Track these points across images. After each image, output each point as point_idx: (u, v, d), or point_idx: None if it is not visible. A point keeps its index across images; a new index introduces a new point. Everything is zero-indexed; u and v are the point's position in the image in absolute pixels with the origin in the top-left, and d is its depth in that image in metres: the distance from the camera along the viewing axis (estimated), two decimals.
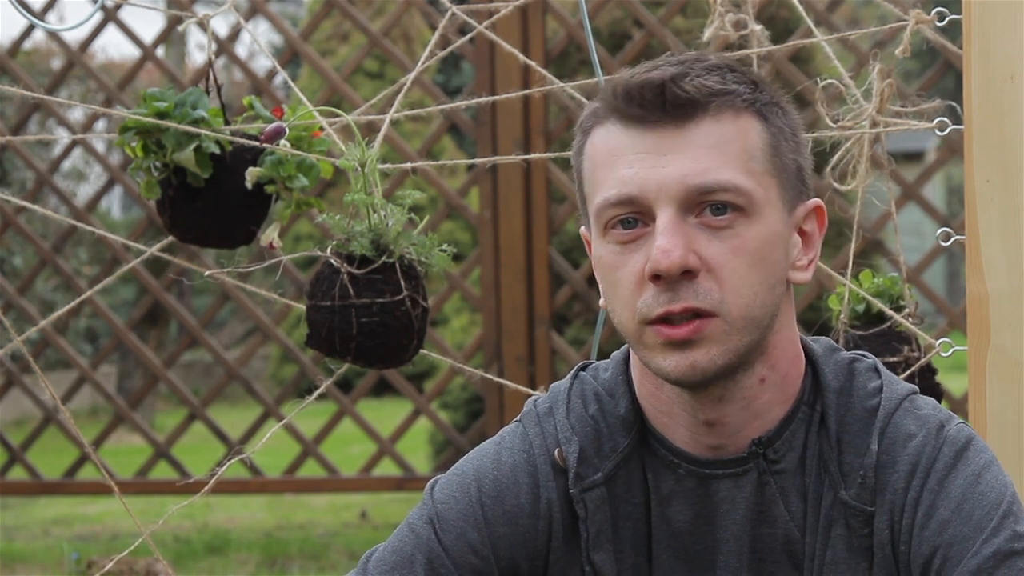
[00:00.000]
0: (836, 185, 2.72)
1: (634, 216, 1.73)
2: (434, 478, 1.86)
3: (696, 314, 1.70)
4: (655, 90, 1.72)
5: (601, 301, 1.81)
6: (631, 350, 1.81)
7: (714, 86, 1.73)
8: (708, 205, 1.71)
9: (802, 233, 1.80)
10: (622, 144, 1.74)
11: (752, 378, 1.76)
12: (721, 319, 1.71)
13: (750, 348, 1.74)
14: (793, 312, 1.80)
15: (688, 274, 1.70)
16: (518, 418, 1.87)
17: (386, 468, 6.69)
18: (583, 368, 1.88)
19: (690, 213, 1.71)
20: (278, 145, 2.73)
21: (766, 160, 1.75)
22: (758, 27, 2.95)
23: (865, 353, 1.85)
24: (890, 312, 2.75)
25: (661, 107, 1.72)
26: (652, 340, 1.72)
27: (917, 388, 1.83)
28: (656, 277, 1.70)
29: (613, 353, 1.87)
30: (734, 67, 1.77)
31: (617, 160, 1.74)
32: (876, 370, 1.82)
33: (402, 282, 2.57)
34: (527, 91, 3.73)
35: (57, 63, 11.41)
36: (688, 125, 1.72)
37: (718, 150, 1.72)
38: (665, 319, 1.71)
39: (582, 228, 1.84)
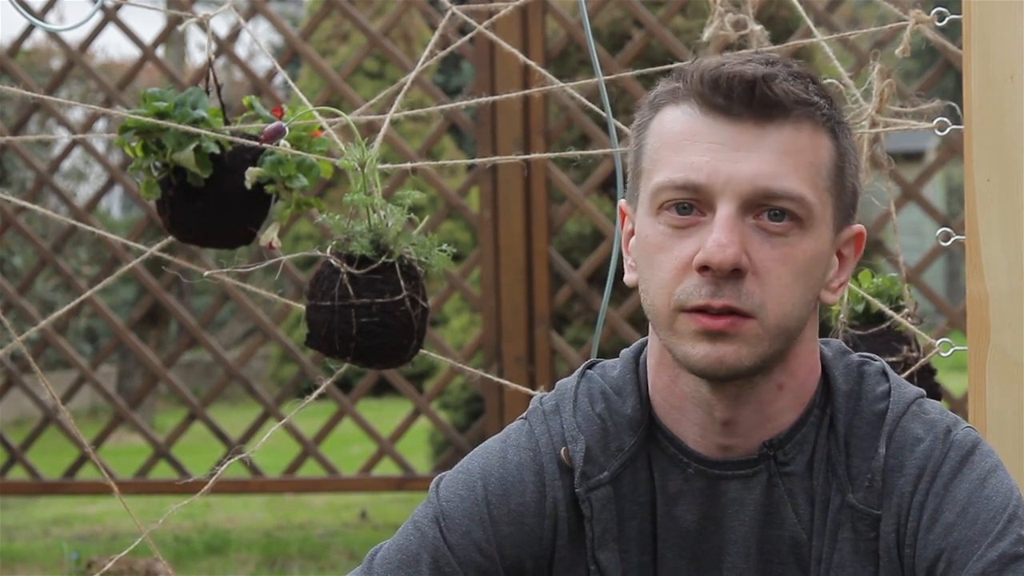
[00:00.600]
0: None
1: (692, 202, 1.72)
2: (439, 475, 1.85)
3: (733, 312, 1.70)
4: (746, 85, 1.72)
5: (628, 277, 1.80)
6: (656, 335, 1.79)
7: (800, 94, 1.73)
8: (768, 210, 1.71)
9: (840, 256, 1.80)
10: (698, 130, 1.73)
11: (770, 383, 1.77)
12: (758, 323, 1.71)
13: (776, 355, 1.74)
14: (817, 325, 1.81)
15: (736, 272, 1.70)
16: (524, 415, 1.86)
17: (386, 468, 6.69)
18: (591, 366, 1.88)
19: (749, 213, 1.71)
20: (278, 145, 2.73)
21: (830, 178, 1.75)
22: (758, 27, 2.95)
23: (874, 356, 1.86)
24: (889, 312, 2.75)
25: (748, 103, 1.72)
26: (685, 327, 1.72)
27: (925, 392, 1.83)
28: (705, 268, 1.70)
29: (623, 351, 1.87)
30: (815, 78, 1.77)
31: (689, 144, 1.73)
32: (884, 374, 1.82)
33: (402, 282, 2.57)
34: (527, 91, 3.74)
35: (57, 63, 11.41)
36: (768, 127, 1.72)
37: (791, 158, 1.72)
38: (702, 310, 1.71)
39: (622, 201, 1.83)
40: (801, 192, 1.72)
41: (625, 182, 1.85)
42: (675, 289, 1.72)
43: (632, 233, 1.80)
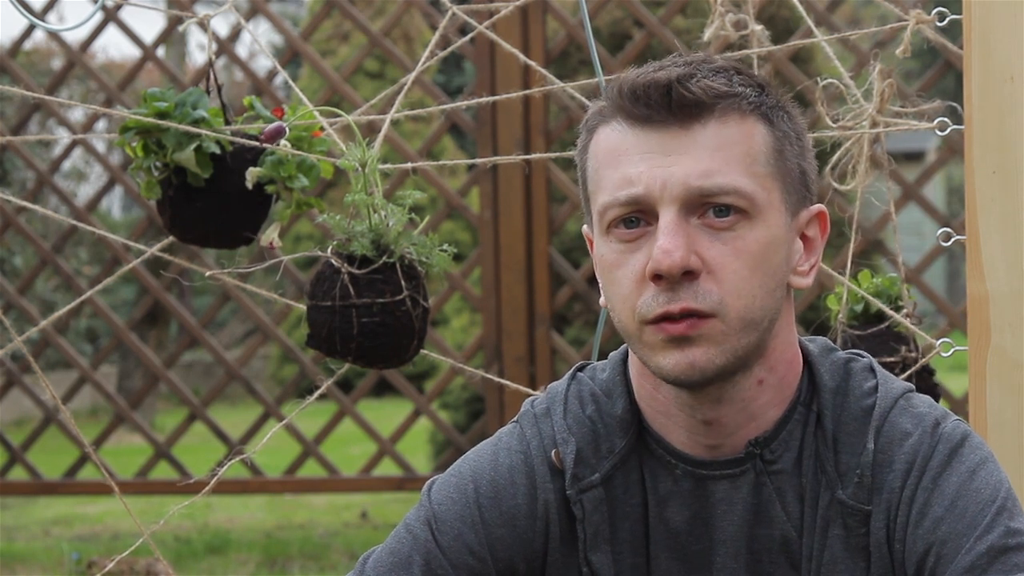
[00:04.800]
0: (836, 185, 2.72)
1: (637, 215, 1.73)
2: (431, 479, 1.86)
3: (693, 314, 1.71)
4: (661, 90, 1.72)
5: (602, 300, 1.81)
6: (630, 349, 1.81)
7: (720, 88, 1.73)
8: (711, 207, 1.72)
9: (804, 238, 1.80)
10: (627, 143, 1.74)
11: (750, 379, 1.77)
12: (719, 320, 1.71)
13: (749, 350, 1.74)
14: (792, 316, 1.81)
15: (689, 275, 1.70)
16: (515, 419, 1.87)
17: (386, 468, 6.69)
18: (580, 369, 1.88)
19: (692, 214, 1.72)
20: (278, 145, 2.73)
21: (770, 164, 1.75)
22: (758, 27, 2.94)
23: (861, 352, 1.86)
24: (889, 312, 2.75)
25: (667, 107, 1.72)
26: (652, 338, 1.72)
27: (913, 386, 1.84)
28: (657, 277, 1.70)
29: (611, 353, 1.88)
30: (741, 70, 1.78)
31: (622, 159, 1.74)
32: (871, 369, 1.83)
33: (403, 282, 2.57)
34: (527, 91, 3.72)
35: (57, 63, 11.42)
36: (694, 126, 1.73)
37: (722, 152, 1.72)
38: (664, 318, 1.71)
39: (584, 227, 1.84)
40: (737, 184, 1.72)
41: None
42: (636, 302, 1.73)
43: None
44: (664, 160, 1.72)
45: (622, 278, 1.74)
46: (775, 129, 1.76)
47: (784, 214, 1.76)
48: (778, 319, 1.77)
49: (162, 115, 2.72)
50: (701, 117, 1.73)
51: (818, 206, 1.81)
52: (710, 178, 1.71)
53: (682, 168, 1.71)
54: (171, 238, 2.88)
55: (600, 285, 1.81)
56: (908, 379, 2.62)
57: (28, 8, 6.32)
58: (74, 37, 7.67)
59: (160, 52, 7.46)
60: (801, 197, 1.79)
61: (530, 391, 2.19)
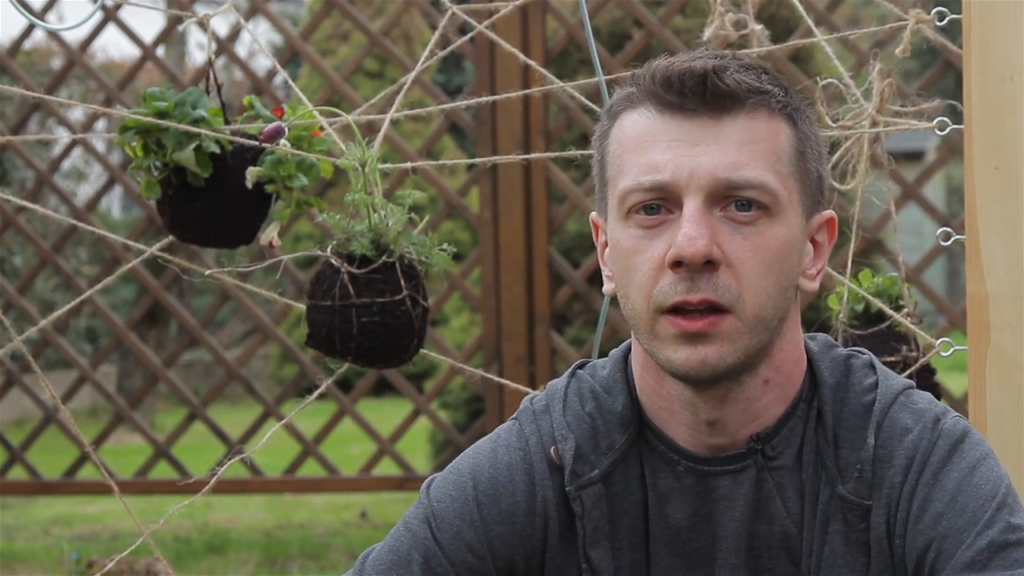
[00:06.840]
0: (836, 185, 2.73)
1: (659, 202, 1.73)
2: (430, 476, 1.86)
3: (712, 308, 1.71)
4: (696, 79, 1.73)
5: (607, 287, 1.81)
6: (638, 341, 1.80)
7: (752, 83, 1.74)
8: (734, 200, 1.72)
9: (814, 243, 1.81)
10: (656, 130, 1.74)
11: (756, 379, 1.77)
12: (735, 316, 1.71)
13: (758, 349, 1.74)
14: (798, 317, 1.81)
15: (709, 265, 1.71)
16: (514, 416, 1.87)
17: (386, 468, 6.69)
18: (580, 366, 1.88)
19: (716, 206, 1.72)
20: (278, 145, 2.73)
21: (792, 164, 1.76)
22: (758, 27, 2.95)
23: (861, 349, 1.87)
24: (889, 312, 2.75)
25: (701, 97, 1.73)
26: (665, 330, 1.72)
27: (913, 383, 1.84)
28: (678, 264, 1.70)
29: (612, 351, 1.88)
30: (768, 69, 1.79)
31: (649, 145, 1.74)
32: (872, 366, 1.83)
33: (402, 282, 2.57)
34: (527, 91, 3.72)
35: (57, 63, 11.42)
36: (724, 118, 1.73)
37: (750, 147, 1.73)
38: (681, 309, 1.71)
39: (593, 214, 1.84)
40: (763, 179, 1.72)
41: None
42: (652, 290, 1.72)
43: (606, 245, 1.81)
44: (692, 149, 1.72)
45: (639, 264, 1.74)
46: (798, 131, 1.78)
47: (800, 216, 1.77)
48: (786, 320, 1.77)
49: (162, 115, 2.72)
50: (732, 110, 1.73)
51: (829, 212, 1.82)
52: (737, 171, 1.72)
53: (710, 159, 1.72)
54: (171, 238, 2.88)
55: (609, 273, 1.80)
56: (908, 378, 2.62)
57: (28, 8, 6.32)
58: (74, 37, 7.68)
59: (160, 52, 7.46)
60: (815, 201, 1.80)
61: (530, 391, 2.19)
